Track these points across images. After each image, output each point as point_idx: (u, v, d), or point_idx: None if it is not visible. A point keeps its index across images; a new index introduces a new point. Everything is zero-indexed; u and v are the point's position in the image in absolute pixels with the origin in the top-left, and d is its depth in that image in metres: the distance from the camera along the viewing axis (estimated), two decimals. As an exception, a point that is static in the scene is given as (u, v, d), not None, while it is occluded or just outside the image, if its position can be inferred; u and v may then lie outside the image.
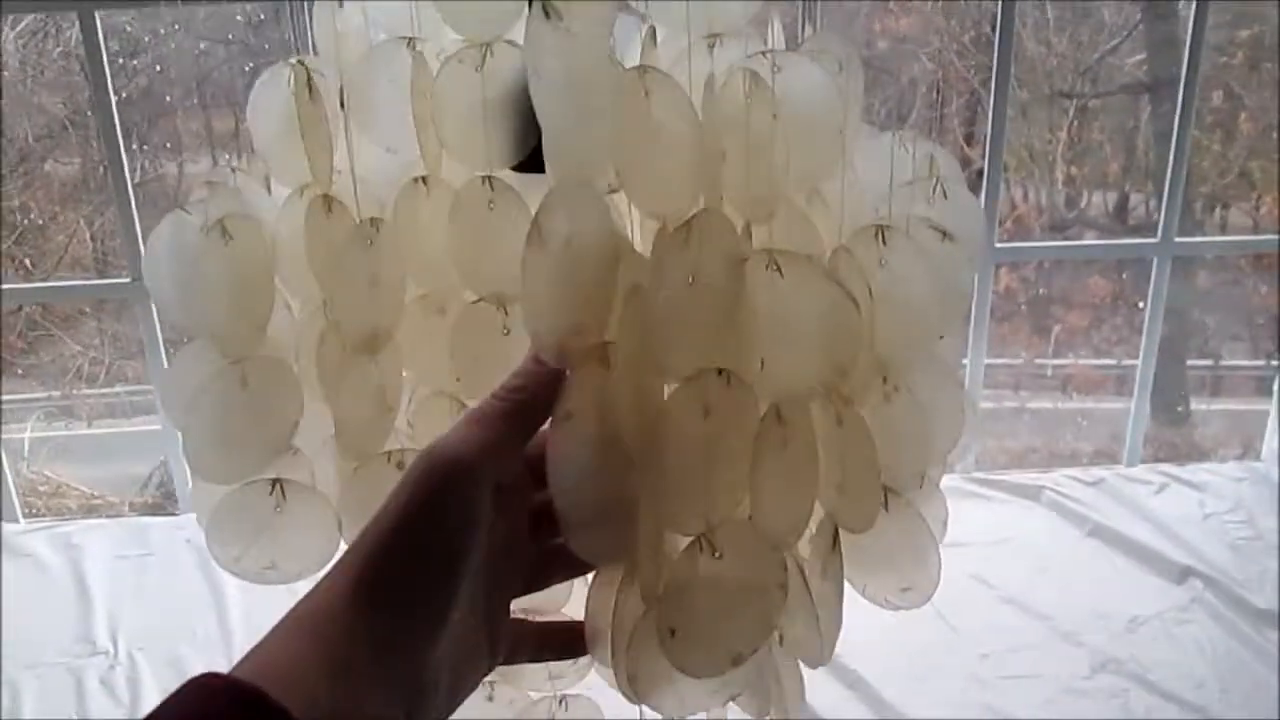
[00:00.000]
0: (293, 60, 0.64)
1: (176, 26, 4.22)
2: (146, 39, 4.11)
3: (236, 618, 1.62)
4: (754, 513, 0.53)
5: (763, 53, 0.56)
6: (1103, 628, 1.56)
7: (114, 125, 1.65)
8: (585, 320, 0.51)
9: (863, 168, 0.61)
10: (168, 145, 4.43)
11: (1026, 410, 4.33)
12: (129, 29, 3.89)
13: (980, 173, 4.22)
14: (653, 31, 0.59)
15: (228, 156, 4.58)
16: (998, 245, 2.00)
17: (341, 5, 0.66)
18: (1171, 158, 1.88)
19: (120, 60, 4.15)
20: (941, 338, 0.62)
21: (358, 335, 0.63)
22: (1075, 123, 4.03)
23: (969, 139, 4.07)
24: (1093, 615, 1.58)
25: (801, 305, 0.52)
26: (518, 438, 0.50)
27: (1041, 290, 4.34)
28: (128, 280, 1.84)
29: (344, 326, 0.63)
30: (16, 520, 1.93)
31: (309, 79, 0.63)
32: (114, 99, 1.64)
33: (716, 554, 0.52)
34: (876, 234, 0.57)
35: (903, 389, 0.57)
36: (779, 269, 0.51)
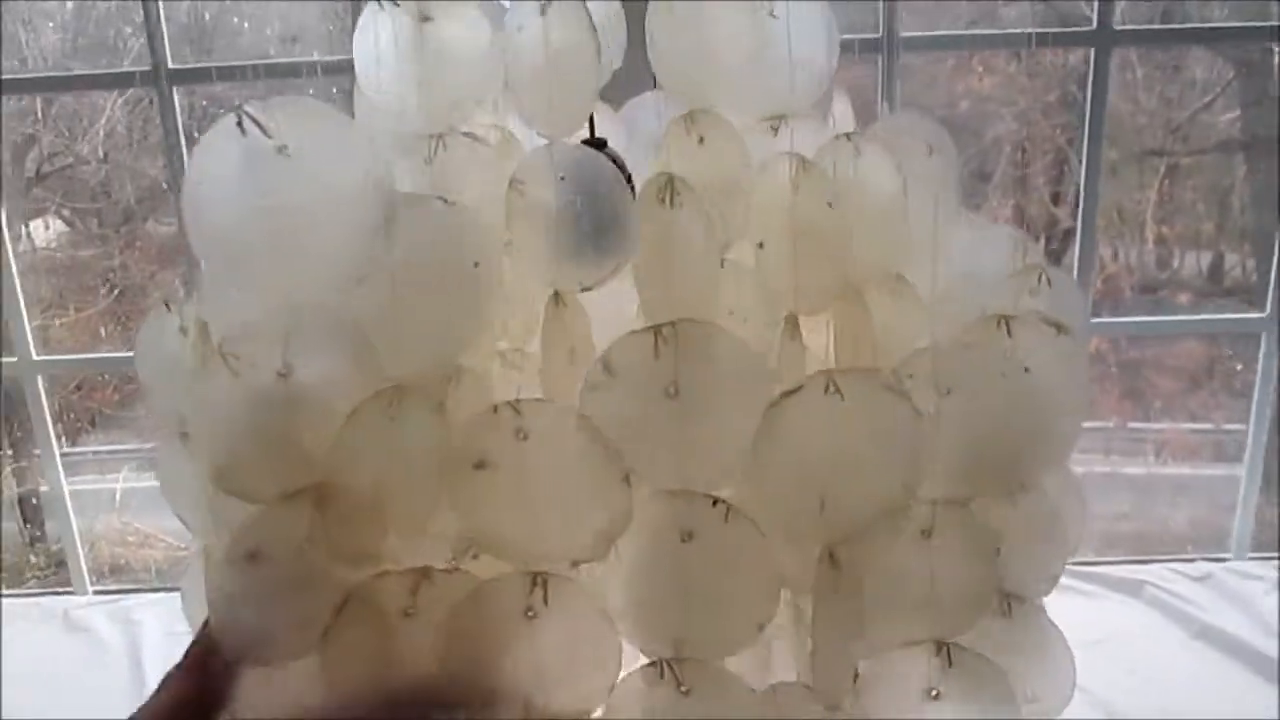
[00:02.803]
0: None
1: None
2: (237, 100, 4.27)
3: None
4: (805, 672, 0.51)
5: (845, 136, 0.55)
6: (1209, 743, 1.42)
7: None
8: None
9: (959, 256, 0.59)
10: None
11: (1119, 475, 4.17)
12: (221, 93, 4.05)
13: (1068, 232, 4.14)
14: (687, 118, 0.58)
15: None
16: (1094, 320, 1.91)
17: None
18: None
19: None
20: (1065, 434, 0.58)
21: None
22: (1166, 181, 3.92)
23: (1055, 198, 3.99)
24: (1198, 729, 1.44)
25: (863, 427, 0.49)
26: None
27: (1133, 353, 4.19)
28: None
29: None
30: (85, 591, 1.95)
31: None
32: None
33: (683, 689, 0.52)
34: (999, 324, 0.54)
35: (1031, 490, 0.54)
36: (838, 390, 0.49)
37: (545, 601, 0.56)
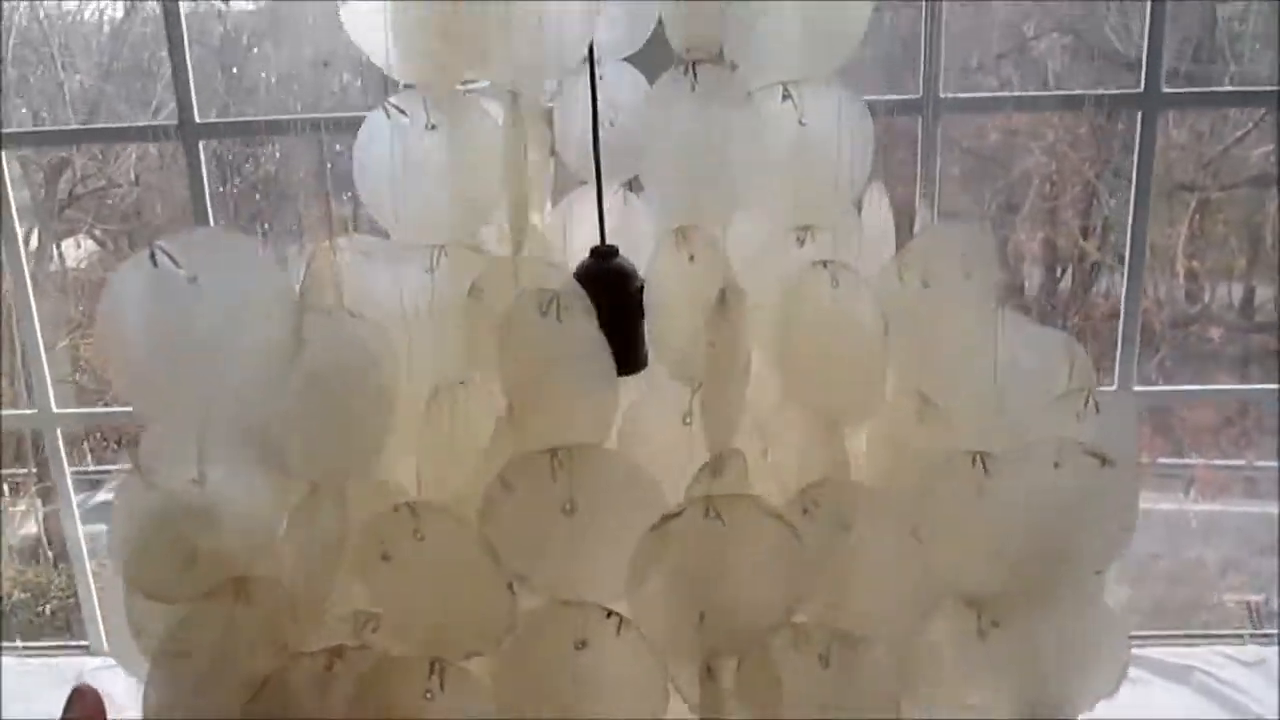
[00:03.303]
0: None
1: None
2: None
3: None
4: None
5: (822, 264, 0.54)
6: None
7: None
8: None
9: (1004, 370, 0.57)
10: (292, 229, 4.63)
11: (1152, 512, 4.10)
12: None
13: (1095, 266, 4.08)
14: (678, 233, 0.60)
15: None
16: (1138, 389, 1.77)
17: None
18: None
19: (250, 150, 4.38)
20: (1098, 572, 0.56)
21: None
22: (1197, 216, 3.88)
23: (1085, 231, 3.95)
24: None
25: (744, 550, 0.51)
26: None
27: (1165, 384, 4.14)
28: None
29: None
30: (102, 650, 1.91)
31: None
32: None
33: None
34: (974, 460, 0.53)
35: (1010, 625, 0.52)
36: (718, 516, 0.50)
37: (441, 687, 0.59)
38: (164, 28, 1.58)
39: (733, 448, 0.56)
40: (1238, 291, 4.25)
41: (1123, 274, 1.74)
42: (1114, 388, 1.61)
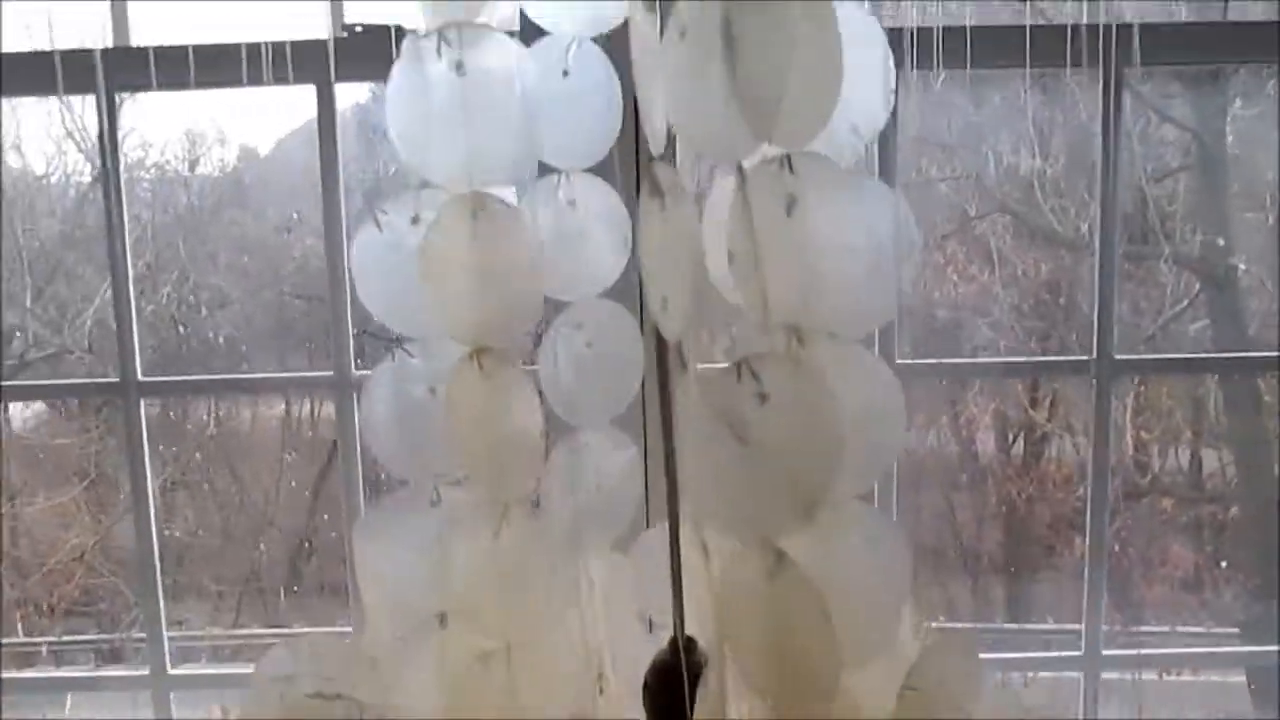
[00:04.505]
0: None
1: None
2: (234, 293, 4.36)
3: None
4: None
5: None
6: None
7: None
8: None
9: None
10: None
11: (1105, 684, 4.04)
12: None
13: (1045, 436, 4.11)
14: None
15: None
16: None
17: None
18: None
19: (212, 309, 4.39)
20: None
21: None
22: (1142, 388, 3.98)
23: (1033, 402, 4.04)
24: None
25: None
26: None
27: (1122, 557, 4.15)
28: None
29: None
30: None
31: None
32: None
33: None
34: None
35: None
36: None
37: None
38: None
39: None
40: (1185, 456, 4.32)
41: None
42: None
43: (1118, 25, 1.28)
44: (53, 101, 4.19)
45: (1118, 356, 1.44)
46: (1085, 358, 1.45)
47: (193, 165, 4.50)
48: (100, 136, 1.39)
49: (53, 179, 4.51)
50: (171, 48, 1.32)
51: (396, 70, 0.82)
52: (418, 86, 0.81)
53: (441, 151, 0.82)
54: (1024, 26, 1.28)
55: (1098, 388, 1.44)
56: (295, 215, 4.43)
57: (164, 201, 4.46)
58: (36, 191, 4.42)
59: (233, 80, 1.28)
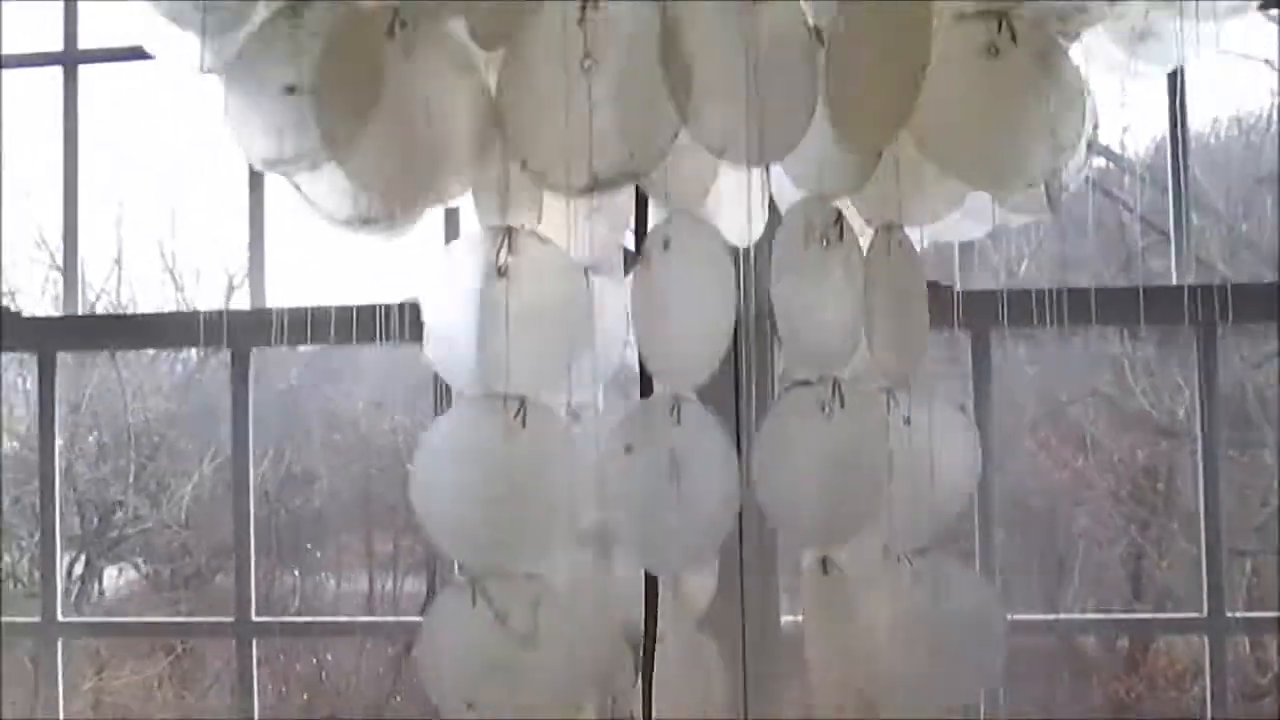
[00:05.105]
0: None
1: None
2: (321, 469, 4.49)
3: None
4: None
5: None
6: None
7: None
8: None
9: None
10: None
11: None
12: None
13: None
14: None
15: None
16: None
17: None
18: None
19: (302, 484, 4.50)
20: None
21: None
22: (1255, 579, 3.76)
23: (1136, 594, 3.85)
24: None
25: None
26: None
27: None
28: None
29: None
30: None
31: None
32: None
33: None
34: None
35: None
36: None
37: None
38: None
39: None
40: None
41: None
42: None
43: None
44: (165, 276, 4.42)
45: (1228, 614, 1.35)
46: (1196, 615, 1.39)
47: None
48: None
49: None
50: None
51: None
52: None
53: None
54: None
55: (1210, 645, 1.36)
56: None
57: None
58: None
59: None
